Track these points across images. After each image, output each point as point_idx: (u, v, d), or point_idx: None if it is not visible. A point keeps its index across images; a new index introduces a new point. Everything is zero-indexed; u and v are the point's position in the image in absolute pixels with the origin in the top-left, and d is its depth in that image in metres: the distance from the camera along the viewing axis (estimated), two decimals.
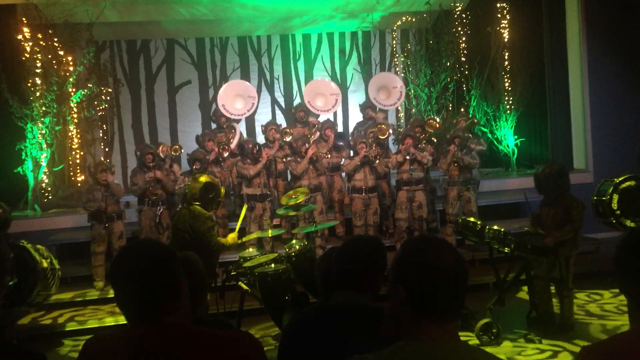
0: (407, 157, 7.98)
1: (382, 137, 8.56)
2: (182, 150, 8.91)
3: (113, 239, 7.68)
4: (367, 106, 9.64)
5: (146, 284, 1.74)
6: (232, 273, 5.83)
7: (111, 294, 7.37)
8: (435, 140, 8.88)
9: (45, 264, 6.39)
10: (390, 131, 9.06)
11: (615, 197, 6.81)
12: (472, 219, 6.30)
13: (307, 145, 8.24)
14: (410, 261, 1.65)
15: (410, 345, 1.62)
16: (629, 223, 6.88)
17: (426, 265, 1.62)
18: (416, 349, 1.60)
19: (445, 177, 8.65)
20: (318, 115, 9.79)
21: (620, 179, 6.93)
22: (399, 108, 11.22)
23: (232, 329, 2.97)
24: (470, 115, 10.21)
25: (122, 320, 6.53)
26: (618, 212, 6.81)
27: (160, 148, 8.70)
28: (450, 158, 8.03)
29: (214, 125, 10.17)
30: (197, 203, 5.51)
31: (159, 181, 7.97)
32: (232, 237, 5.75)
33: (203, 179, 5.66)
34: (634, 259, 1.77)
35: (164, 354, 1.70)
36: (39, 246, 6.53)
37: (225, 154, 8.61)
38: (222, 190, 6.05)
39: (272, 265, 5.82)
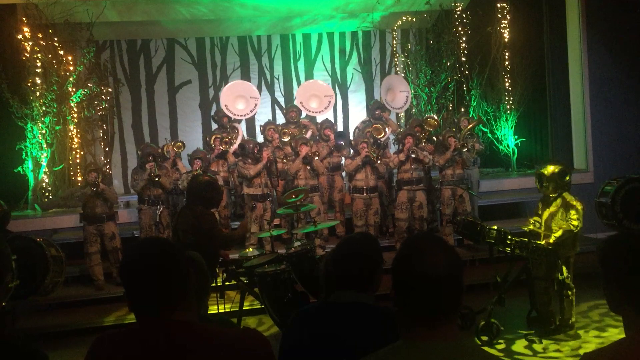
0: (412, 156, 7.98)
1: (378, 137, 8.56)
2: (184, 147, 8.90)
3: (105, 240, 7.70)
4: (377, 107, 9.57)
5: (156, 282, 1.76)
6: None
7: (111, 293, 7.39)
8: (435, 140, 8.89)
9: (53, 252, 6.44)
10: (387, 130, 9.05)
11: (618, 199, 6.80)
12: (471, 219, 6.30)
13: (305, 145, 8.25)
14: (399, 265, 1.65)
15: (407, 345, 1.62)
16: (632, 225, 6.87)
17: (413, 271, 1.61)
18: (413, 348, 1.60)
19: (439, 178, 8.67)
20: (313, 117, 9.79)
21: (623, 182, 6.91)
22: None
23: (234, 327, 2.98)
24: (470, 115, 10.22)
25: (123, 319, 6.57)
26: (621, 214, 6.80)
27: (165, 148, 8.73)
28: (451, 153, 8.04)
29: (214, 126, 10.17)
30: (198, 202, 5.51)
31: (155, 182, 7.96)
32: (242, 224, 6.00)
33: (203, 178, 5.66)
34: (622, 263, 1.77)
35: (174, 351, 1.71)
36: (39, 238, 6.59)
37: (223, 147, 8.62)
38: (223, 189, 6.06)
39: (272, 265, 5.83)
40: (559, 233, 5.69)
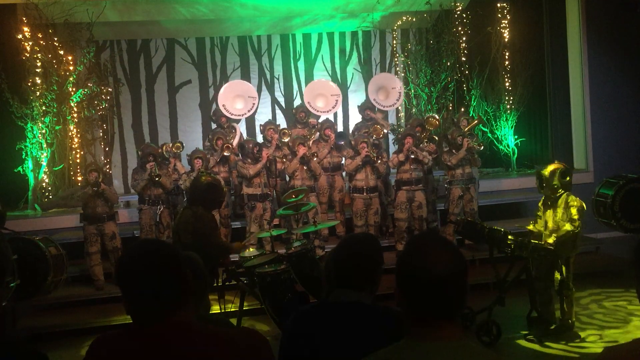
0: (412, 156, 7.98)
1: (379, 137, 8.56)
2: (184, 147, 8.89)
3: (105, 239, 7.69)
4: (366, 107, 9.60)
5: (155, 283, 1.75)
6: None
7: (111, 293, 7.38)
8: (437, 139, 8.89)
9: (53, 251, 6.44)
10: (385, 131, 9.06)
11: (618, 200, 6.80)
12: (471, 219, 6.30)
13: (303, 145, 8.25)
14: (404, 264, 1.65)
15: (409, 345, 1.62)
16: (629, 225, 6.88)
17: (418, 270, 1.60)
18: (416, 348, 1.60)
19: (445, 177, 8.65)
20: (318, 117, 9.78)
21: (623, 182, 6.92)
22: (399, 108, 11.21)
23: (232, 327, 2.98)
24: (470, 115, 10.22)
25: (123, 320, 6.56)
26: (619, 214, 6.80)
27: (164, 148, 8.72)
28: (464, 152, 8.05)
29: (214, 125, 10.17)
30: (200, 203, 5.51)
31: (155, 182, 7.97)
32: (237, 245, 5.83)
33: (205, 179, 5.65)
34: None
35: (173, 352, 1.71)
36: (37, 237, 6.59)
37: (226, 153, 8.62)
38: (225, 189, 6.06)
39: (272, 265, 5.83)
40: (560, 233, 5.69)
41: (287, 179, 8.68)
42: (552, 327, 5.82)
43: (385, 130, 8.99)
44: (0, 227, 6.21)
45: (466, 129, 8.79)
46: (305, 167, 8.27)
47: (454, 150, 8.19)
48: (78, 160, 10.06)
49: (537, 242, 5.78)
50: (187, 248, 5.34)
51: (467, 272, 1.64)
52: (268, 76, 11.95)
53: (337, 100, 9.88)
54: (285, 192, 7.73)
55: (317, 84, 10.33)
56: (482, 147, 8.28)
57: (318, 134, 9.15)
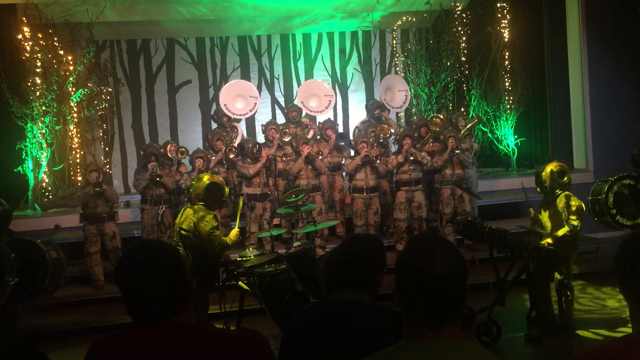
0: (411, 158, 7.99)
1: (385, 137, 8.57)
2: (188, 154, 8.88)
3: (105, 239, 7.70)
4: (376, 107, 9.55)
5: (155, 283, 1.75)
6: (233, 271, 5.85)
7: (111, 293, 7.38)
8: (441, 138, 8.89)
9: (54, 254, 6.44)
10: (392, 130, 9.07)
11: (611, 195, 6.81)
12: (471, 219, 6.30)
13: (307, 145, 8.26)
14: (404, 264, 1.65)
15: (409, 345, 1.62)
16: (625, 222, 6.89)
17: (417, 270, 1.60)
18: (416, 349, 1.60)
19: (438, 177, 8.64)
20: (313, 117, 9.78)
21: (615, 178, 6.94)
22: None
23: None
24: (470, 116, 10.22)
25: (123, 319, 6.56)
26: (614, 210, 6.81)
27: (168, 147, 8.70)
28: (448, 154, 8.05)
29: (214, 125, 10.17)
30: (201, 203, 5.51)
31: (157, 182, 7.98)
32: (234, 234, 5.73)
33: (207, 178, 5.65)
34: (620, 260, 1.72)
35: (173, 352, 1.71)
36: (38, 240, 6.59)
37: (231, 155, 8.60)
38: (227, 189, 6.05)
39: (272, 265, 5.83)
40: (560, 232, 5.70)
41: (293, 178, 8.68)
42: (552, 327, 5.82)
43: (392, 130, 9.00)
44: (6, 226, 6.21)
45: (465, 128, 8.79)
46: (310, 167, 8.27)
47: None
48: (78, 160, 10.07)
49: (537, 242, 5.78)
50: (189, 247, 5.37)
51: (467, 272, 1.64)
52: (268, 76, 11.96)
53: (330, 101, 9.88)
54: (288, 191, 7.72)
55: (311, 84, 10.34)
56: (459, 151, 8.13)
57: (312, 132, 9.14)
